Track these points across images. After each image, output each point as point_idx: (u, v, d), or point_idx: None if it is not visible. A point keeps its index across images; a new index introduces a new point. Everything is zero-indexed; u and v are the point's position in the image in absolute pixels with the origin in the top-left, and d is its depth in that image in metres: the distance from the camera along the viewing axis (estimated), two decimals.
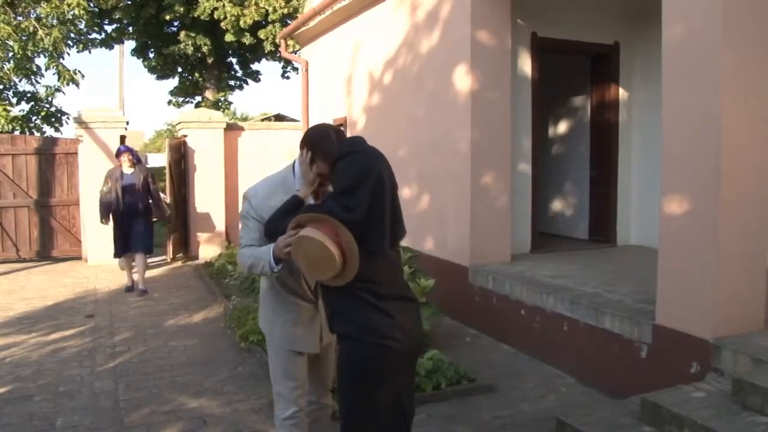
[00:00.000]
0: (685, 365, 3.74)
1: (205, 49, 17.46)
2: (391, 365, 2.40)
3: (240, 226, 2.69)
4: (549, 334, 4.94)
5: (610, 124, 7.18)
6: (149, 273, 8.56)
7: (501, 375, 4.72)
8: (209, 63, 18.93)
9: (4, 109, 12.81)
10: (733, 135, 3.58)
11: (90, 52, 15.65)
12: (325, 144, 2.52)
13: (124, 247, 7.65)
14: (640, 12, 6.85)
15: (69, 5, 12.90)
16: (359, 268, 2.30)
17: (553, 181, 8.06)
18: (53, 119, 14.25)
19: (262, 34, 16.84)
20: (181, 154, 10.25)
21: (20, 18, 13.04)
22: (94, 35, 16.46)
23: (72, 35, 14.46)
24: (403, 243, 4.01)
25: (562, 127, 8.10)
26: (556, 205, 8.18)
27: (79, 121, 9.84)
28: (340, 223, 2.27)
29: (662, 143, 3.96)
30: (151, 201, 7.73)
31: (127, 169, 7.56)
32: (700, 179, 3.67)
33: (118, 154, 7.68)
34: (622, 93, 7.16)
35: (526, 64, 6.66)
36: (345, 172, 2.36)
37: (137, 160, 7.72)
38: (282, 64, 20.07)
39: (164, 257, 10.13)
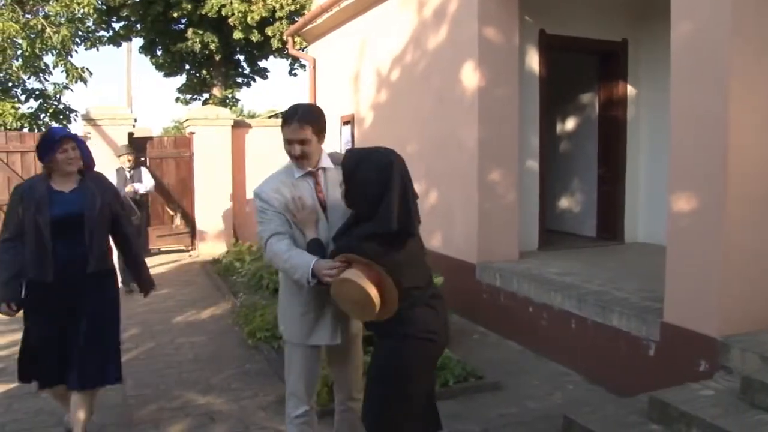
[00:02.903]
0: (694, 363, 3.73)
1: (212, 46, 17.46)
2: (431, 359, 2.53)
3: (258, 223, 2.70)
4: (556, 332, 4.94)
5: (618, 121, 7.15)
6: (155, 270, 8.52)
7: (508, 372, 4.72)
8: (217, 60, 18.93)
9: (13, 107, 12.89)
10: (740, 133, 3.56)
11: (98, 49, 15.73)
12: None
13: (49, 369, 3.28)
14: (649, 9, 6.81)
15: (79, 4, 12.95)
16: (406, 275, 2.41)
17: (560, 179, 8.04)
18: (61, 116, 14.37)
19: (269, 31, 16.82)
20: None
21: (28, 16, 13.11)
22: (101, 33, 16.55)
23: (80, 33, 14.54)
24: None
25: (570, 124, 8.07)
26: (564, 202, 8.16)
27: (88, 119, 9.88)
28: (383, 270, 2.34)
29: (670, 141, 3.94)
30: (123, 255, 3.65)
31: (64, 183, 3.26)
32: (708, 177, 3.65)
33: (49, 145, 3.20)
34: (630, 90, 7.12)
35: (533, 62, 6.64)
36: (365, 180, 2.43)
37: (88, 162, 3.36)
38: (289, 61, 20.04)
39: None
